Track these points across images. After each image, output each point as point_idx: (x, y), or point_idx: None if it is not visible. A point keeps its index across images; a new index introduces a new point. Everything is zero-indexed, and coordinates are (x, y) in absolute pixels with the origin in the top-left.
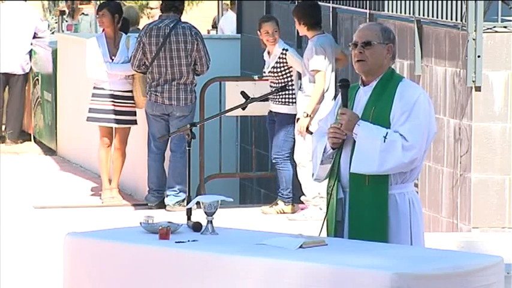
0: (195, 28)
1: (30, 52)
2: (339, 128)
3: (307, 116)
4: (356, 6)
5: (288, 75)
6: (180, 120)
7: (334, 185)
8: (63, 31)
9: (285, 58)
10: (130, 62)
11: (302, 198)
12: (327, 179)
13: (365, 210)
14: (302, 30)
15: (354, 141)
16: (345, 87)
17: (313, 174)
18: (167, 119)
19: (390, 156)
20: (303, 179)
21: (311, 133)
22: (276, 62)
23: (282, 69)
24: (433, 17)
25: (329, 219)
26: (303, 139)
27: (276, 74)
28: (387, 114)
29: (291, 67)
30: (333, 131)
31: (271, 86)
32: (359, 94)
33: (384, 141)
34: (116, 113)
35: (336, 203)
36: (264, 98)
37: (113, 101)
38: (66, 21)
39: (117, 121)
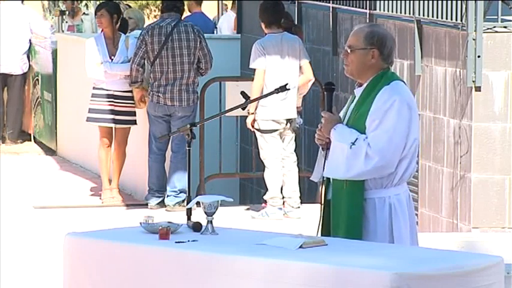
0: (197, 26)
1: (28, 52)
2: (320, 130)
3: (249, 113)
4: (356, 6)
5: None
6: (182, 120)
7: (327, 186)
8: (63, 31)
9: None
10: (132, 59)
11: (264, 197)
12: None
13: (343, 213)
14: (263, 27)
15: None
16: (329, 90)
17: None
18: (169, 119)
19: (354, 163)
20: (266, 178)
21: (259, 130)
22: None
23: None
24: (433, 17)
25: (322, 220)
26: (263, 143)
27: None
28: (364, 119)
29: None
30: (317, 133)
31: None
32: (353, 96)
33: (350, 147)
34: (116, 113)
35: (325, 204)
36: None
37: (112, 101)
38: (66, 22)
39: (117, 121)
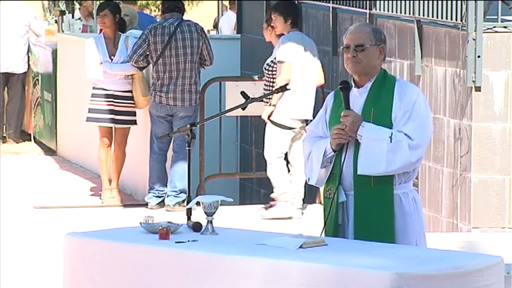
0: (200, 25)
1: (28, 51)
2: (344, 129)
3: (270, 104)
4: (356, 6)
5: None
6: (184, 121)
7: (336, 188)
8: (63, 31)
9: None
10: (129, 55)
11: (272, 195)
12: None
13: (371, 212)
14: (286, 28)
15: (357, 143)
16: (345, 89)
17: (309, 179)
18: (171, 120)
19: (397, 156)
20: (271, 176)
21: (273, 123)
22: (271, 61)
23: (274, 69)
24: (433, 17)
25: (328, 223)
26: (271, 137)
27: (268, 72)
28: (388, 114)
29: None
30: (337, 133)
31: (265, 84)
32: (353, 95)
33: (391, 141)
34: (116, 113)
35: (336, 207)
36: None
37: (112, 101)
38: (81, 20)
39: (117, 121)
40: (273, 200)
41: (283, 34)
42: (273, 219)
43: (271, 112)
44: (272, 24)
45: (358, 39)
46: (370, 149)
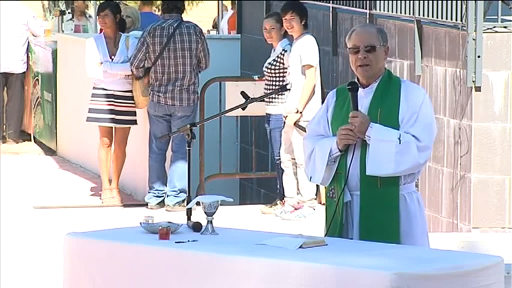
0: (199, 27)
1: (27, 51)
2: (352, 130)
3: (297, 111)
4: (356, 6)
5: (282, 75)
6: (182, 120)
7: (342, 188)
8: (63, 31)
9: (283, 59)
10: (130, 61)
11: (298, 198)
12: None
13: (377, 212)
14: (301, 29)
15: (364, 144)
16: (354, 90)
17: (311, 178)
18: (169, 119)
19: (406, 157)
20: (303, 179)
21: (301, 127)
22: (274, 60)
23: (277, 67)
24: (433, 17)
25: (333, 222)
26: (302, 139)
27: (270, 71)
28: (395, 115)
29: (286, 68)
30: (345, 133)
31: (266, 84)
32: (358, 95)
33: (399, 142)
34: (116, 113)
35: (341, 207)
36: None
37: (112, 101)
38: (73, 20)
39: (117, 121)
40: (284, 201)
41: (290, 35)
42: (297, 220)
43: (298, 119)
44: (287, 25)
45: (367, 40)
46: (378, 150)
